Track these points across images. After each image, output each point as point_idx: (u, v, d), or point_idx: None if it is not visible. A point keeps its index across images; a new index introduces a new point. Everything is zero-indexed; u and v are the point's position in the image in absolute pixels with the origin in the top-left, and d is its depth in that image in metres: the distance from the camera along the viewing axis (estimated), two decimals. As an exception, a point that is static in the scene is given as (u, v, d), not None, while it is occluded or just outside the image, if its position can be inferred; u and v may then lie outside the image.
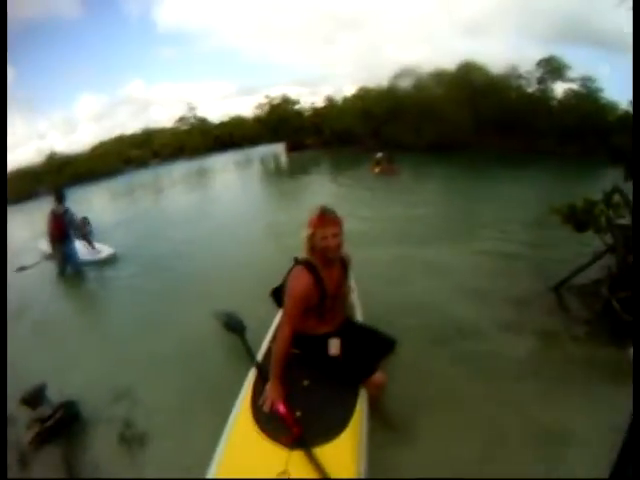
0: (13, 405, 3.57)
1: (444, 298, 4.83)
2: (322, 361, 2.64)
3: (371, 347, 2.78)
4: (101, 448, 3.24)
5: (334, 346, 2.63)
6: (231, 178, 21.37)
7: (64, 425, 3.43)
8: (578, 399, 3.13)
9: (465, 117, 18.15)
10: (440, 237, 6.94)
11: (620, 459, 1.62)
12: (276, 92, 31.36)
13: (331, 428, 2.30)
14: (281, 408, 2.37)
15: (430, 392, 3.28)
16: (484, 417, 3.01)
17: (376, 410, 2.77)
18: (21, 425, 3.51)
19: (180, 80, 78.23)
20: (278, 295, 2.95)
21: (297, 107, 29.98)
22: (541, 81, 19.97)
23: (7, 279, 7.24)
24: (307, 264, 2.50)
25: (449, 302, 4.72)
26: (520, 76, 20.40)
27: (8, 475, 2.92)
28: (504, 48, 38.49)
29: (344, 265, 2.72)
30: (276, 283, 3.14)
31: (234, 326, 3.99)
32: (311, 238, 2.45)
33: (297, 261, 2.61)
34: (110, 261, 8.21)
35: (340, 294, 2.73)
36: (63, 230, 7.45)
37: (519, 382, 3.37)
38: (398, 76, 22.93)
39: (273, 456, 2.18)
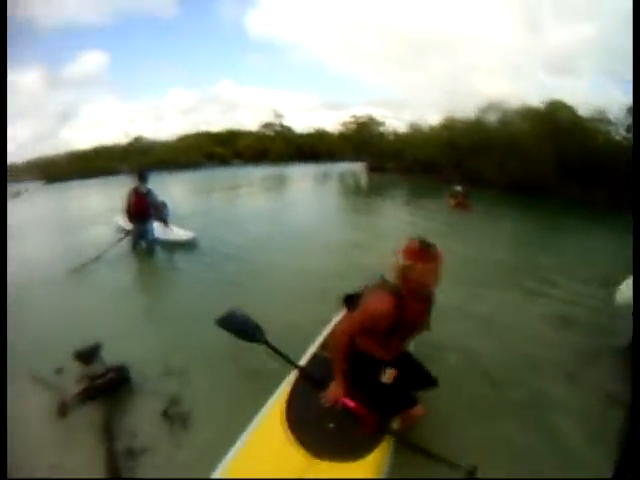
0: (64, 358, 3.89)
1: (496, 345, 4.63)
2: (369, 384, 2.66)
3: (416, 380, 2.80)
4: (143, 418, 3.39)
5: (388, 376, 2.63)
6: (309, 189, 21.71)
7: (113, 387, 3.62)
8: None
9: (549, 158, 17.43)
10: (496, 283, 6.64)
11: (622, 460, 1.70)
12: (359, 111, 31.75)
13: (358, 448, 2.33)
14: (350, 403, 2.49)
15: (472, 433, 3.20)
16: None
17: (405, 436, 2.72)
18: (68, 377, 3.80)
19: (267, 87, 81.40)
20: (350, 302, 2.97)
21: (381, 129, 30.11)
22: (630, 129, 18.74)
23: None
24: (396, 292, 2.44)
25: (503, 350, 4.52)
26: (609, 122, 19.22)
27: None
28: (591, 89, 36.86)
29: (429, 301, 2.65)
30: (332, 294, 3.17)
31: (247, 332, 3.45)
32: (407, 269, 2.37)
33: (384, 281, 2.55)
34: (190, 244, 8.68)
35: (416, 328, 2.67)
36: (144, 208, 7.93)
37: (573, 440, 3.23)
38: (485, 109, 22.55)
39: (295, 460, 2.24)
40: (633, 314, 3.49)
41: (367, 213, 13.96)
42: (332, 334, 2.87)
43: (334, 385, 2.61)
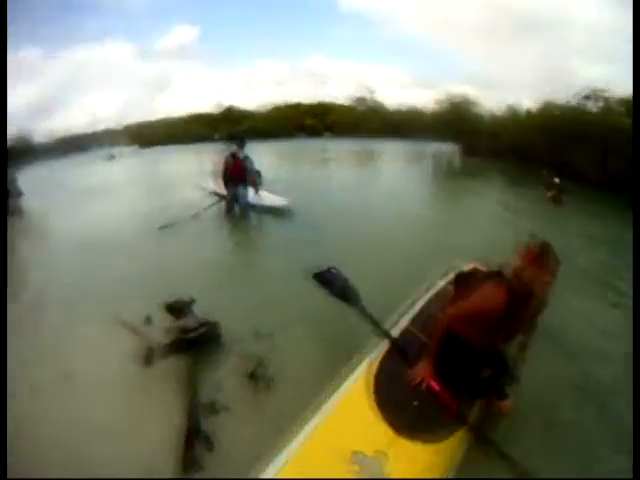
0: (153, 307, 4.22)
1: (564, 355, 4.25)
2: (460, 369, 2.64)
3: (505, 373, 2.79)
4: (229, 376, 3.51)
5: (485, 372, 2.68)
6: (400, 167, 21.41)
7: (204, 341, 3.78)
8: None
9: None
10: (577, 289, 5.95)
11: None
12: (454, 89, 30.39)
13: (437, 432, 2.36)
14: (435, 385, 2.51)
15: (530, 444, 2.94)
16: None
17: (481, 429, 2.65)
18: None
19: (358, 61, 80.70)
20: (460, 281, 2.97)
21: (477, 110, 28.96)
22: None
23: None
24: (510, 289, 2.42)
25: (569, 363, 4.10)
26: None
27: None
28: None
29: (540, 305, 2.58)
30: (418, 272, 3.07)
31: (344, 292, 3.59)
32: (523, 270, 2.38)
33: (500, 273, 2.55)
34: (284, 211, 8.93)
35: (521, 329, 2.66)
36: (240, 173, 8.26)
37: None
38: (586, 96, 20.93)
39: (377, 433, 2.27)
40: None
41: (459, 197, 13.55)
42: (435, 315, 2.86)
43: (423, 364, 2.61)
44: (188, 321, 3.85)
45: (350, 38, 74.65)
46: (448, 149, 27.04)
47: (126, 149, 34.07)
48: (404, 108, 41.94)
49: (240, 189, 8.37)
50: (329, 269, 3.67)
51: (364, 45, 77.34)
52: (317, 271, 3.64)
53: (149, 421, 3.05)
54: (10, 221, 11.25)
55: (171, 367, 3.60)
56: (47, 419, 3.13)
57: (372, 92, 43.34)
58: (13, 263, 8.07)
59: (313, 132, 38.73)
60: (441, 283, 3.75)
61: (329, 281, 3.57)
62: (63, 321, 4.65)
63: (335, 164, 20.63)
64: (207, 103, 50.67)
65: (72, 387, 3.50)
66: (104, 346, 3.95)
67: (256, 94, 66.10)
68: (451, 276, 3.74)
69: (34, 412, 3.23)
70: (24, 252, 8.49)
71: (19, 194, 14.33)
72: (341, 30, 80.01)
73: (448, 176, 19.37)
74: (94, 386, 3.47)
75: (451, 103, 28.70)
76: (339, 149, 28.22)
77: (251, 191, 8.65)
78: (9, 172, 14.56)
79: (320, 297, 4.22)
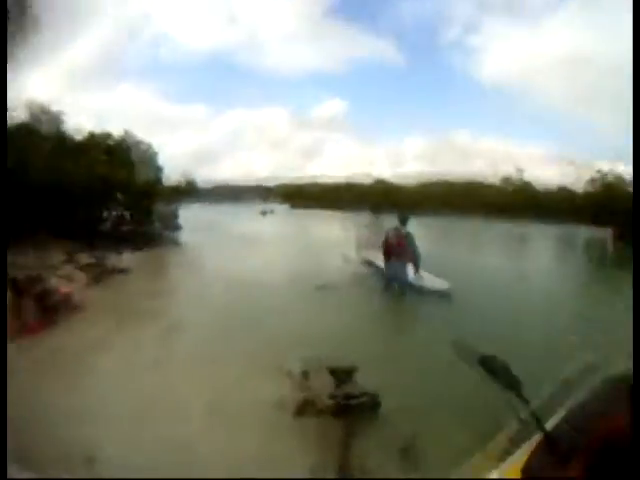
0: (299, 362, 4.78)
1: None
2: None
3: None
4: (379, 448, 3.69)
5: None
6: (551, 254, 20.65)
7: (364, 410, 4.06)
8: None
9: None
10: None
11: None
12: (604, 167, 28.26)
13: None
14: None
15: None
16: None
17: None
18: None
19: (503, 137, 79.42)
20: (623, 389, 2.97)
21: (629, 189, 26.53)
22: None
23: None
24: None
25: None
26: None
27: None
28: None
29: None
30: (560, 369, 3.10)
31: (504, 376, 3.66)
32: None
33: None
34: (444, 295, 8.69)
35: None
36: (401, 250, 8.49)
37: None
38: None
39: None
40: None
41: (613, 289, 12.50)
42: (591, 417, 2.88)
43: (573, 467, 2.45)
44: (352, 388, 4.19)
45: (495, 113, 74.54)
46: (601, 233, 25.35)
47: (278, 206, 36.49)
48: (553, 188, 40.10)
49: (400, 265, 8.49)
50: (492, 355, 3.77)
51: (509, 120, 76.59)
52: (483, 356, 3.74)
53: (282, 466, 3.31)
54: (165, 249, 12.68)
55: (315, 424, 3.94)
56: (187, 447, 3.47)
57: (521, 171, 42.16)
58: (158, 286, 9.04)
59: (462, 210, 38.42)
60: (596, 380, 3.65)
61: (491, 365, 3.66)
62: (202, 350, 5.28)
63: (487, 246, 20.66)
64: (355, 173, 53.19)
65: (218, 420, 3.90)
66: (250, 385, 4.45)
67: (403, 168, 68.15)
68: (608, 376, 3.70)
69: (177, 435, 3.63)
70: (174, 279, 9.42)
71: (177, 228, 16.63)
72: (486, 105, 79.99)
73: (601, 265, 18.18)
74: (241, 422, 3.86)
75: (603, 183, 27.01)
76: (489, 229, 28.14)
77: (410, 269, 8.68)
78: (173, 208, 17.48)
79: (472, 382, 4.33)
